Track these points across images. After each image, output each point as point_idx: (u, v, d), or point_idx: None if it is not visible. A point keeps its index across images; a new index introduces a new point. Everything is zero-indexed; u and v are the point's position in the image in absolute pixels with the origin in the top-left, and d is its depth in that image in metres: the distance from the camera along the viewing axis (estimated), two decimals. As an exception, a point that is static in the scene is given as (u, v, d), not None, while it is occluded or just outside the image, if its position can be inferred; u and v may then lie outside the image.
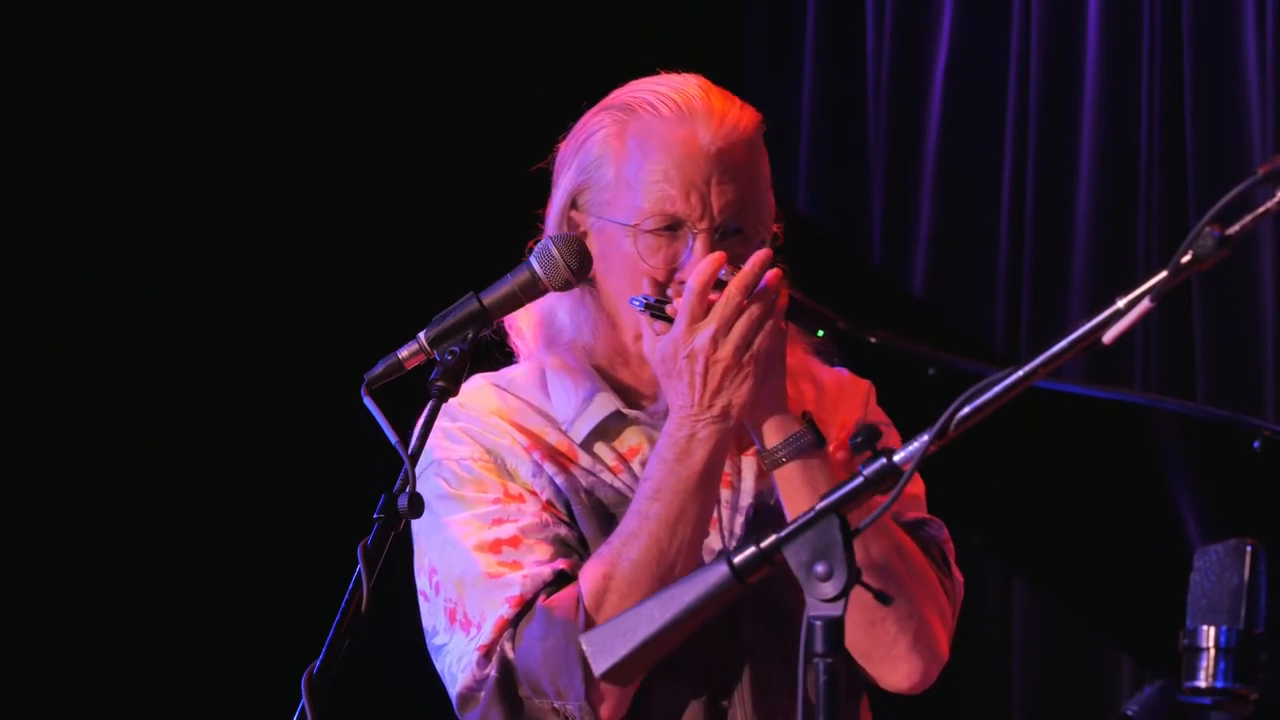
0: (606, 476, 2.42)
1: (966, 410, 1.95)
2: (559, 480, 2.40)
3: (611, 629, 1.99)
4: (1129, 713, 3.48)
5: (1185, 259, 1.96)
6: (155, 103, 4.66)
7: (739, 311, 2.28)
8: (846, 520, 1.90)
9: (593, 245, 2.40)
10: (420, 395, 2.23)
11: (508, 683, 2.33)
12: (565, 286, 2.35)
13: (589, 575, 2.31)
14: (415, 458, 2.16)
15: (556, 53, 5.14)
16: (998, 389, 1.96)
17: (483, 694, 2.34)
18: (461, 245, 4.78)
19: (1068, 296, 5.04)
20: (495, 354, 2.52)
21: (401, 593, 2.47)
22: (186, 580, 4.62)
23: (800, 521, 1.90)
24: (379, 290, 4.76)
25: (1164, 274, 1.96)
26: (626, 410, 2.43)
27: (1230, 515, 3.72)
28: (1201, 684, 1.77)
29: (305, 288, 4.78)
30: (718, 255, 2.31)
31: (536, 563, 2.35)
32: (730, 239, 2.37)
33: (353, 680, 2.22)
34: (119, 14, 4.59)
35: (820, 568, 1.86)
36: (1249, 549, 1.77)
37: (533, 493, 2.39)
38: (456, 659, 2.38)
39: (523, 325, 2.49)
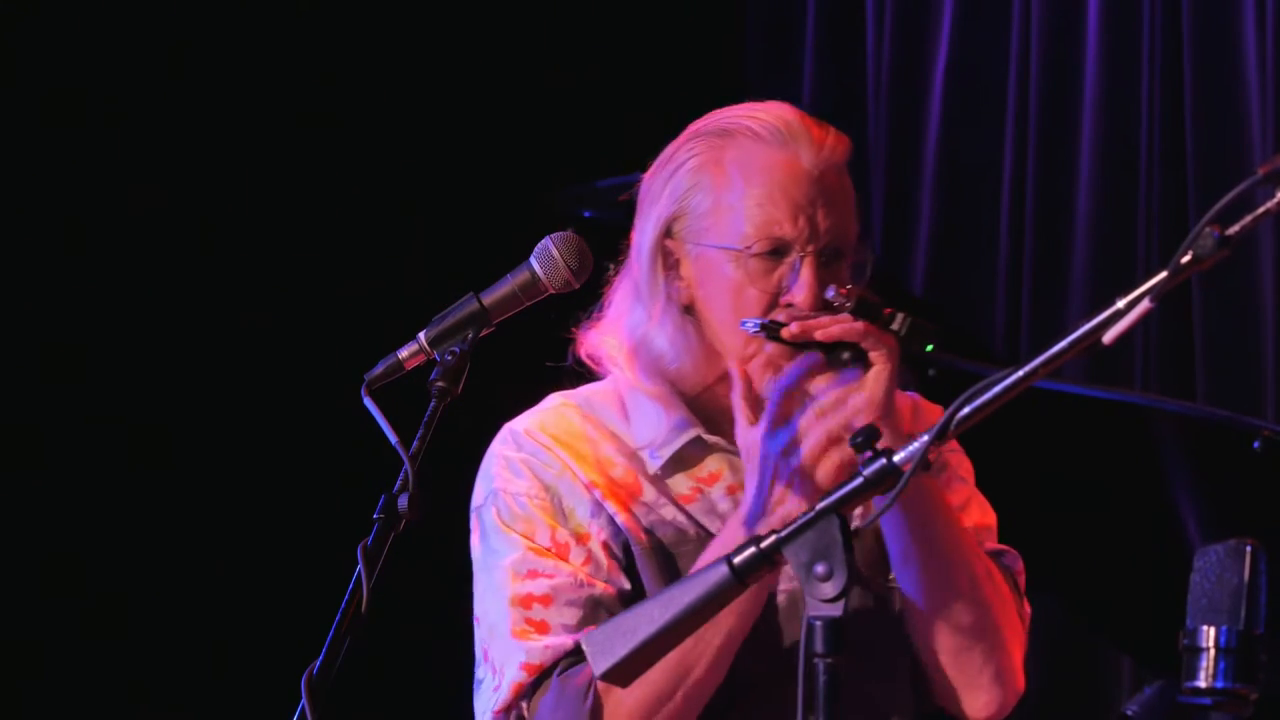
0: (668, 512, 2.40)
1: (966, 410, 1.95)
2: (619, 520, 2.39)
3: (612, 629, 1.99)
4: (1129, 713, 3.48)
5: (1185, 259, 1.96)
6: (155, 102, 4.66)
7: (820, 419, 2.26)
8: (846, 520, 1.90)
9: (691, 273, 2.40)
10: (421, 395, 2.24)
11: None
12: (565, 287, 2.34)
13: None
14: (416, 458, 2.16)
15: (556, 53, 5.14)
16: (998, 389, 1.96)
17: None
18: (461, 245, 4.78)
19: (1068, 296, 5.04)
20: (565, 379, 2.51)
21: (401, 593, 2.47)
22: (187, 580, 4.62)
23: (800, 522, 1.90)
24: (378, 290, 4.76)
25: (1164, 274, 1.96)
26: (707, 436, 2.42)
27: (1230, 515, 3.72)
28: (1201, 684, 1.77)
29: (305, 288, 4.78)
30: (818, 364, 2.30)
31: (564, 627, 2.36)
32: (832, 262, 2.37)
33: (353, 680, 2.22)
34: (120, 14, 4.58)
35: (820, 568, 1.86)
36: (1249, 549, 1.77)
37: (584, 537, 2.38)
38: (481, 707, 2.41)
39: (611, 350, 2.47)
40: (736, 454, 2.37)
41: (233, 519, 4.67)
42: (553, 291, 2.33)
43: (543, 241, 2.34)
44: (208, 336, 4.70)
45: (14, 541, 4.46)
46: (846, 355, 2.30)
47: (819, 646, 1.86)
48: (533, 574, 2.37)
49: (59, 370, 4.54)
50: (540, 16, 5.15)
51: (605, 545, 2.38)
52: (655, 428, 2.42)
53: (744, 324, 2.33)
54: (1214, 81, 4.89)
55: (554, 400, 2.49)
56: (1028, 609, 2.47)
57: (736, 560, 1.93)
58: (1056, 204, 5.09)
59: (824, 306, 2.32)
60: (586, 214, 4.84)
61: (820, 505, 1.91)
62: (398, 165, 4.97)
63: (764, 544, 1.92)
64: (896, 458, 1.92)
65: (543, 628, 2.36)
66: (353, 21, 4.93)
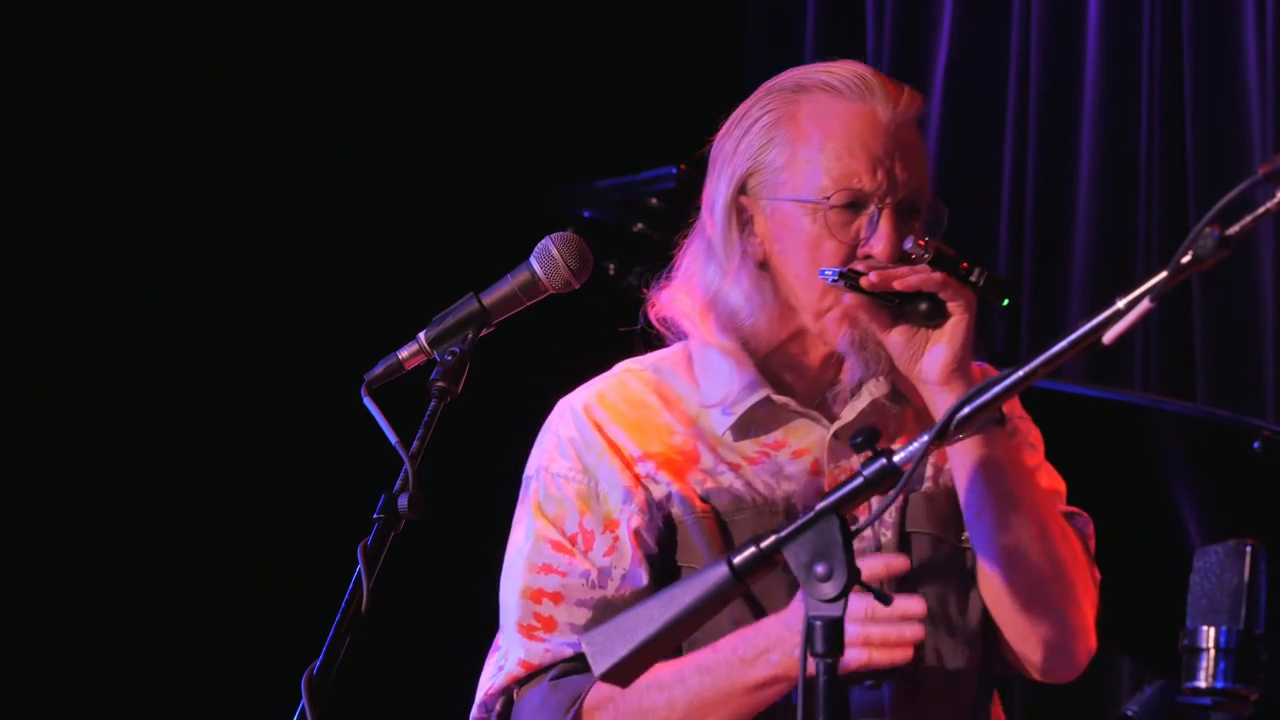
0: (725, 479, 2.40)
1: (967, 410, 1.96)
2: (673, 488, 2.39)
3: (612, 629, 2.00)
4: (1129, 713, 3.48)
5: (1185, 259, 1.96)
6: (154, 100, 4.66)
7: None
8: (846, 521, 1.90)
9: (766, 228, 2.41)
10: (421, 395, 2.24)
11: None
12: (565, 287, 2.34)
13: (600, 687, 2.31)
14: (416, 458, 2.17)
15: (556, 53, 5.14)
16: (998, 389, 1.96)
17: None
18: (461, 245, 4.77)
19: (1068, 296, 5.04)
20: (639, 344, 2.52)
21: (401, 593, 2.47)
22: (187, 580, 4.62)
23: (801, 522, 1.90)
24: (379, 291, 4.76)
25: (1164, 274, 1.96)
26: (776, 397, 2.41)
27: (1230, 515, 3.72)
28: (1201, 684, 1.77)
29: (305, 288, 4.78)
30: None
31: (570, 627, 2.37)
32: (908, 215, 2.37)
33: (353, 681, 2.22)
34: (122, 14, 4.59)
35: (820, 568, 1.87)
36: (1249, 549, 1.77)
37: (613, 524, 2.39)
38: (482, 678, 2.45)
39: (684, 308, 2.48)
40: (805, 415, 2.39)
41: (234, 519, 4.67)
42: (553, 291, 2.33)
43: (543, 241, 2.34)
44: (208, 337, 4.69)
45: (14, 541, 4.46)
46: (924, 306, 2.31)
47: (819, 647, 1.86)
48: (547, 568, 2.39)
49: (60, 369, 4.54)
50: (540, 16, 5.15)
51: (635, 534, 2.40)
52: (726, 385, 2.42)
53: (822, 273, 2.33)
54: (1214, 81, 4.88)
55: (617, 369, 2.50)
56: (1098, 574, 2.47)
57: (736, 560, 1.93)
58: (1056, 204, 5.09)
59: (902, 258, 2.32)
60: (586, 214, 4.85)
61: (820, 505, 1.91)
62: (399, 165, 4.97)
63: (764, 544, 1.92)
64: (896, 458, 1.92)
65: (550, 625, 2.38)
66: (354, 21, 4.93)
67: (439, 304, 2.31)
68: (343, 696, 2.14)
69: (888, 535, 2.39)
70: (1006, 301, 2.32)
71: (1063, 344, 1.98)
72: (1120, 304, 1.96)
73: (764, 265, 2.41)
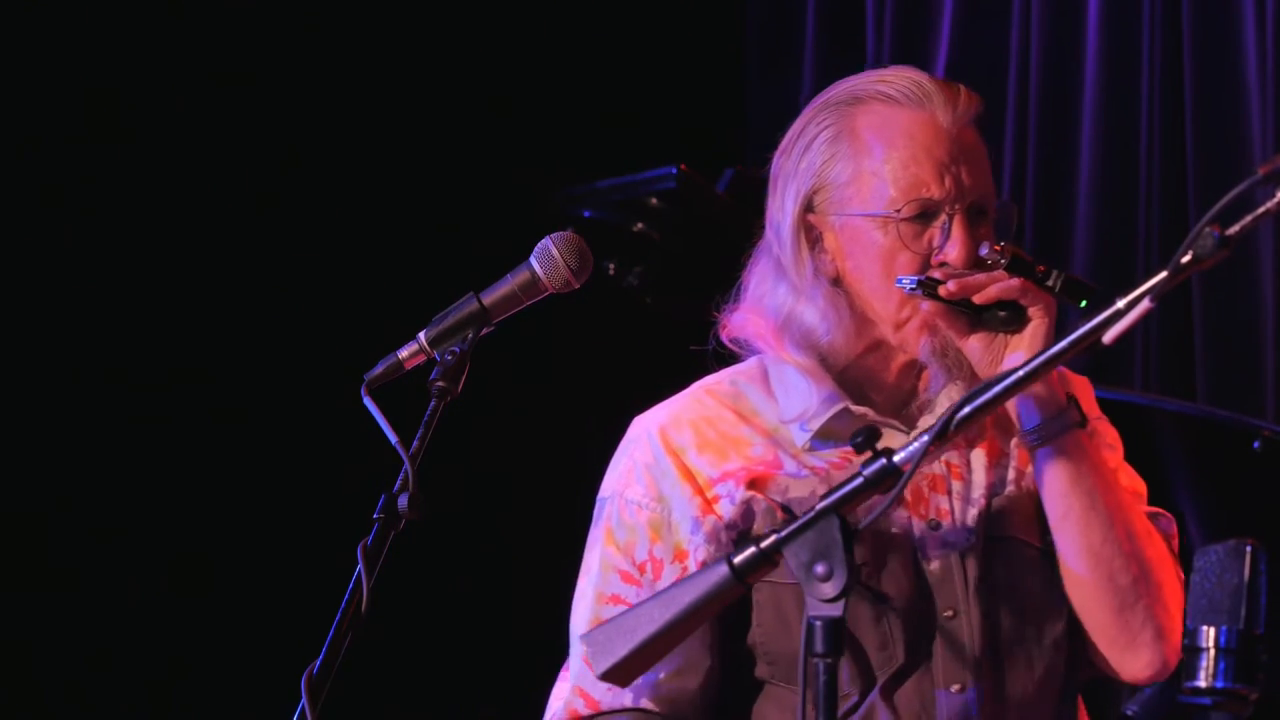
0: (806, 487, 2.37)
1: (967, 410, 1.95)
2: (754, 503, 2.37)
3: (612, 629, 1.99)
4: (1129, 712, 3.48)
5: (1185, 259, 1.96)
6: (156, 99, 4.66)
7: None
8: (846, 520, 1.90)
9: (836, 244, 2.39)
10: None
11: None
12: (565, 287, 2.33)
13: None
14: (415, 458, 2.16)
15: (556, 53, 5.14)
16: (998, 389, 1.96)
17: None
18: (461, 245, 4.77)
19: (1068, 296, 5.04)
20: (711, 363, 2.52)
21: (400, 593, 2.47)
22: (186, 580, 4.62)
23: (800, 522, 1.90)
24: (378, 290, 4.76)
25: (1164, 274, 1.96)
26: (855, 408, 2.39)
27: (1230, 515, 3.72)
28: (1201, 684, 1.77)
29: (305, 287, 4.78)
30: None
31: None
32: (979, 219, 2.36)
33: (353, 681, 2.22)
34: (126, 16, 4.59)
35: (820, 568, 1.86)
36: (1249, 549, 1.77)
37: (682, 554, 2.37)
38: (551, 702, 2.43)
39: (757, 329, 2.45)
40: (885, 424, 2.35)
41: (234, 519, 4.67)
42: (552, 291, 2.33)
43: (543, 241, 2.34)
44: (209, 337, 4.69)
45: (15, 541, 4.46)
46: (1003, 312, 2.30)
47: (819, 647, 1.86)
48: (615, 599, 2.38)
49: (60, 368, 4.54)
50: (540, 16, 5.15)
51: (703, 566, 2.36)
52: (805, 400, 2.40)
53: (899, 281, 2.32)
54: (1214, 81, 4.88)
55: (694, 388, 2.48)
56: (1182, 574, 2.43)
57: (737, 560, 1.93)
58: (1056, 204, 5.09)
59: (977, 264, 2.31)
60: (586, 214, 4.84)
61: (820, 505, 1.91)
62: (396, 165, 4.97)
63: (764, 544, 1.92)
64: (897, 458, 1.92)
65: None
66: (355, 21, 4.93)
67: (439, 304, 2.31)
68: (343, 697, 2.14)
69: (972, 541, 2.37)
70: (1085, 303, 2.30)
71: (1063, 344, 1.98)
72: (1120, 304, 1.96)
73: (837, 281, 2.39)
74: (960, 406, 1.95)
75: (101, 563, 4.55)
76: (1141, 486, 2.47)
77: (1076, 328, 2.00)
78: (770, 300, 2.43)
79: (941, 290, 2.29)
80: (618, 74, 5.19)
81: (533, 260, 2.32)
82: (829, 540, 1.88)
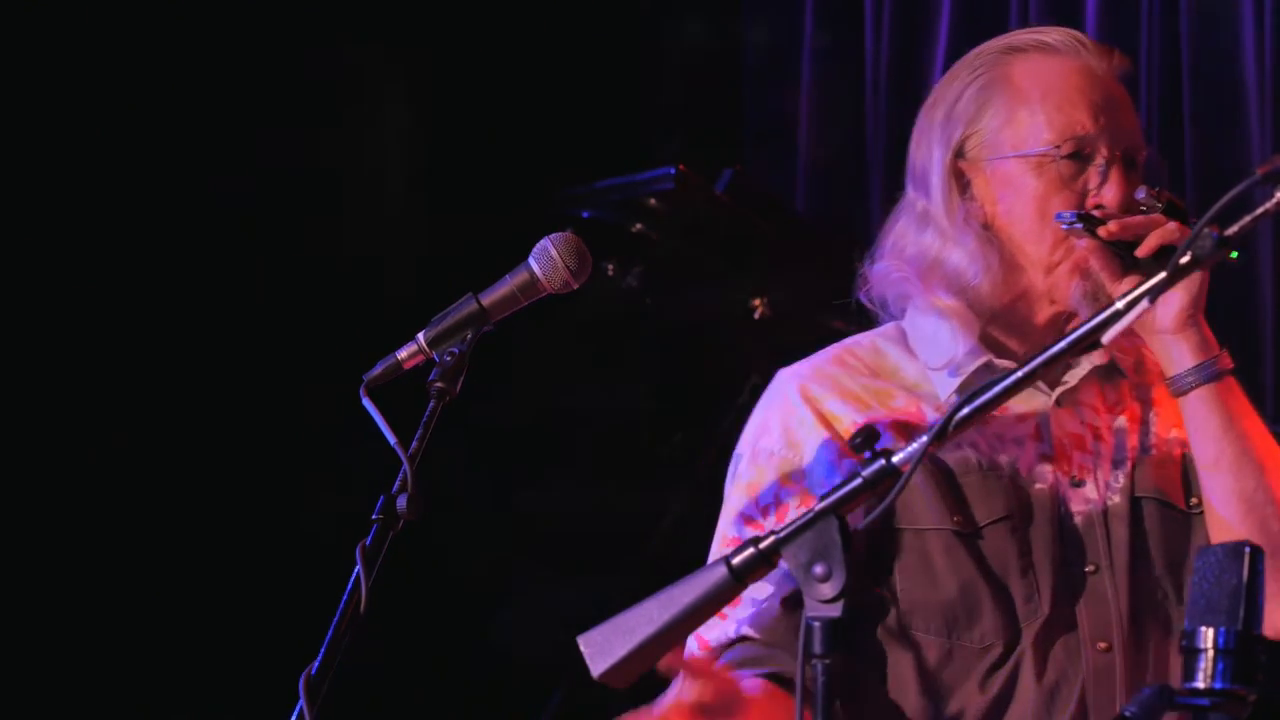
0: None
1: (966, 410, 1.95)
2: (899, 450, 2.38)
3: (611, 629, 1.99)
4: (1127, 714, 3.48)
5: (1184, 260, 1.96)
6: (157, 95, 4.66)
7: None
8: (845, 521, 1.90)
9: (987, 190, 2.42)
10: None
11: None
12: (564, 287, 2.34)
13: None
14: (414, 459, 2.16)
15: (555, 54, 5.14)
16: (998, 389, 1.96)
17: None
18: (459, 246, 4.77)
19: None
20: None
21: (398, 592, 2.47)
22: (184, 579, 4.62)
23: (799, 523, 1.90)
24: (377, 289, 4.76)
25: (1163, 275, 1.96)
26: (998, 361, 2.41)
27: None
28: (1200, 685, 1.77)
29: (304, 287, 4.78)
30: None
31: (752, 601, 2.37)
32: (1132, 166, 2.39)
33: (353, 681, 2.22)
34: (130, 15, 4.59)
35: (819, 568, 1.86)
36: (1248, 550, 1.77)
37: (808, 500, 2.37)
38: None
39: (897, 281, 2.48)
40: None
41: (231, 519, 4.66)
42: (551, 291, 2.33)
43: (541, 242, 2.34)
44: (208, 336, 4.69)
45: (12, 541, 4.46)
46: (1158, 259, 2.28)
47: (817, 648, 1.86)
48: (736, 542, 2.35)
49: (60, 367, 4.54)
50: (540, 16, 5.15)
51: None
52: (949, 350, 2.42)
53: (1059, 216, 2.34)
54: (1212, 81, 4.88)
55: (834, 346, 2.52)
56: None
57: (735, 561, 1.93)
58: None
59: (1132, 208, 2.32)
60: (585, 214, 4.84)
61: (819, 506, 1.91)
62: (394, 164, 4.97)
63: (763, 544, 1.92)
64: (895, 459, 1.92)
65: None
66: (353, 22, 4.93)
67: (438, 304, 2.31)
68: (342, 697, 2.14)
69: (1116, 500, 2.39)
70: (1235, 254, 2.31)
71: (1062, 344, 1.98)
72: (1119, 304, 1.96)
73: (986, 227, 2.42)
74: (960, 407, 1.95)
75: (99, 560, 4.55)
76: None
77: (1077, 328, 2.00)
78: (914, 248, 2.46)
79: (1101, 230, 2.29)
80: (614, 74, 5.19)
81: (531, 261, 2.32)
82: (828, 541, 1.88)
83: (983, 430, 2.40)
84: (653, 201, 4.74)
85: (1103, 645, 2.33)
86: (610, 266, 4.96)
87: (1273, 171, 1.91)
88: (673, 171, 4.66)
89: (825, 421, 2.42)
